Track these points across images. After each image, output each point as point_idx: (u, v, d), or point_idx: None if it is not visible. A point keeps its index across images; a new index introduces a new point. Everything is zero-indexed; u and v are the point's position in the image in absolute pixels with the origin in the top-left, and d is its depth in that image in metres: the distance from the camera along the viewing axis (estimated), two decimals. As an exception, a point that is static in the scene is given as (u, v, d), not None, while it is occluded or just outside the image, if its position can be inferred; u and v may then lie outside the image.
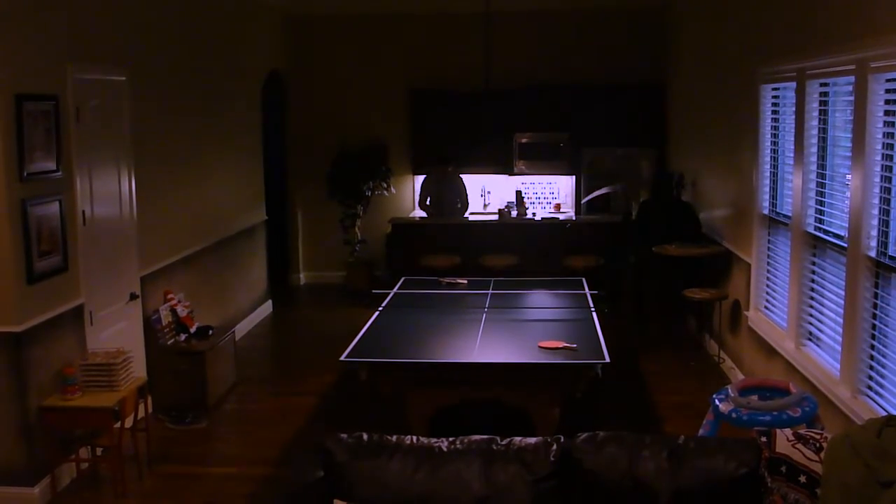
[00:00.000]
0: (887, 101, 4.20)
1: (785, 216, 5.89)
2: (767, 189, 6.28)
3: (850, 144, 4.60)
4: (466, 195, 9.78)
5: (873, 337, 4.39)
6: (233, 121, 8.37)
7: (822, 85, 5.17)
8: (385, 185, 10.21)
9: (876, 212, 4.31)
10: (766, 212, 6.30)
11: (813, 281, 5.38)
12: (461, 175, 9.87)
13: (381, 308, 6.24)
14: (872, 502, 2.62)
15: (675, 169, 9.17)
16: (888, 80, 4.18)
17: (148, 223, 6.30)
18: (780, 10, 5.81)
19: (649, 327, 8.37)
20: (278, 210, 10.20)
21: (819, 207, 5.27)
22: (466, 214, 9.86)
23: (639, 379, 6.97)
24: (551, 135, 10.10)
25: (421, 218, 9.90)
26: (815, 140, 5.30)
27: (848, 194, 4.64)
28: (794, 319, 5.55)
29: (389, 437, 3.33)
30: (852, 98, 4.52)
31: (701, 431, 4.63)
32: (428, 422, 5.08)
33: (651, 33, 10.02)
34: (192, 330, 6.60)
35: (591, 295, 6.48)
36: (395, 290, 6.87)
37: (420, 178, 10.42)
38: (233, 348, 7.00)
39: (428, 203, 9.74)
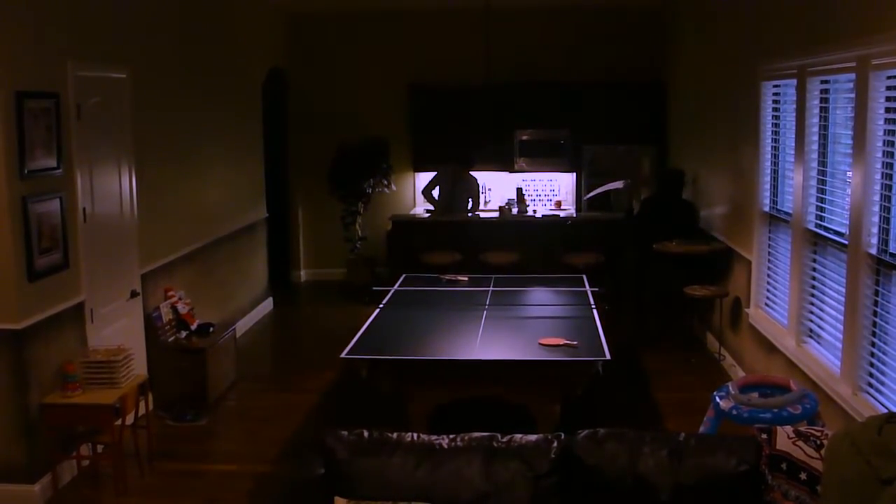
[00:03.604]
0: (888, 99, 4.20)
1: (786, 213, 5.89)
2: (768, 186, 6.28)
3: (850, 141, 4.60)
4: (478, 194, 9.77)
5: (874, 334, 4.39)
6: (234, 118, 8.37)
7: (822, 82, 5.17)
8: (386, 182, 10.21)
9: (877, 209, 4.31)
10: (766, 209, 6.30)
11: (814, 278, 5.38)
12: (472, 173, 9.84)
13: (381, 305, 6.24)
14: (873, 499, 2.62)
15: (675, 166, 9.16)
16: (889, 78, 4.18)
17: (149, 220, 6.30)
18: (780, 6, 5.81)
19: (650, 324, 8.37)
20: (279, 207, 10.19)
21: (820, 205, 5.27)
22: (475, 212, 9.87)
23: (639, 376, 6.97)
24: (552, 132, 10.10)
25: (426, 211, 9.90)
26: (815, 137, 5.30)
27: (849, 191, 4.64)
28: (794, 316, 5.55)
29: (390, 434, 3.33)
30: (853, 95, 4.52)
31: (702, 429, 4.64)
32: (428, 419, 5.08)
33: (652, 30, 10.01)
34: (193, 327, 6.61)
35: (592, 292, 6.48)
36: (395, 287, 6.87)
37: (420, 175, 10.42)
38: (233, 345, 7.00)
39: (434, 194, 9.70)
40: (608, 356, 4.92)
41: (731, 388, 4.57)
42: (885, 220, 4.24)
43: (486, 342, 5.30)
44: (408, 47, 10.40)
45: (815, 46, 5.07)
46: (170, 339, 6.41)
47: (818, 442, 3.10)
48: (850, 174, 4.63)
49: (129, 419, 5.33)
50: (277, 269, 10.11)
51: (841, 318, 4.72)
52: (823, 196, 5.20)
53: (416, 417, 5.05)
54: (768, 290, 6.31)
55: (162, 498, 5.02)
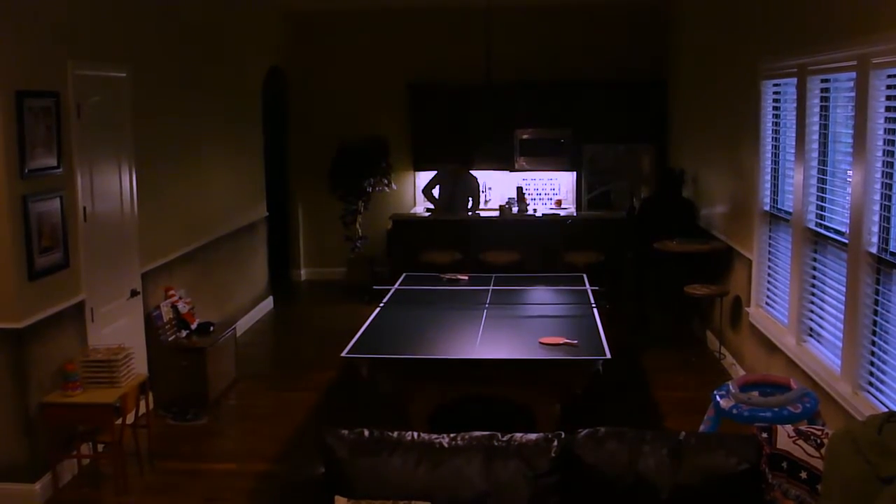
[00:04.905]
0: (888, 97, 4.20)
1: (786, 212, 5.89)
2: (768, 185, 6.27)
3: (851, 140, 4.59)
4: (479, 193, 9.79)
5: (874, 333, 4.39)
6: (234, 117, 8.37)
7: (823, 81, 5.16)
8: (386, 182, 10.21)
9: (877, 208, 4.31)
10: (767, 208, 6.30)
11: (814, 277, 5.38)
12: (472, 172, 9.85)
13: (382, 304, 6.24)
14: (873, 498, 2.62)
15: (676, 165, 9.17)
16: (889, 76, 4.18)
17: (149, 219, 6.30)
18: (781, 5, 5.81)
19: (650, 323, 8.37)
20: (279, 206, 10.20)
21: (820, 203, 5.27)
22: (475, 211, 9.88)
23: (640, 375, 6.97)
24: (552, 131, 10.09)
25: (426, 210, 9.91)
26: (816, 136, 5.30)
27: (849, 190, 4.63)
28: (795, 315, 5.55)
29: (390, 434, 3.33)
30: (853, 94, 4.52)
31: (702, 427, 4.64)
32: (429, 418, 5.08)
33: (652, 29, 10.01)
34: (193, 326, 6.61)
35: (592, 291, 6.48)
36: (395, 286, 6.87)
37: (421, 174, 10.43)
38: (234, 345, 7.01)
39: (435, 193, 9.72)
40: (608, 355, 4.92)
41: (731, 386, 4.57)
42: (886, 219, 4.24)
43: (487, 341, 5.30)
44: (408, 46, 10.39)
45: (816, 45, 5.07)
46: (170, 339, 6.41)
47: (818, 441, 3.10)
48: (850, 173, 4.63)
49: (130, 418, 5.33)
50: (277, 268, 10.11)
51: (841, 316, 4.72)
52: (824, 195, 5.20)
53: (417, 416, 5.04)
54: (768, 289, 6.31)
55: (162, 497, 5.02)
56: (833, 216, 5.06)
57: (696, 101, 8.52)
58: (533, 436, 3.30)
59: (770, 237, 6.27)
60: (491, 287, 6.76)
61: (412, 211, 10.46)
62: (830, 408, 4.67)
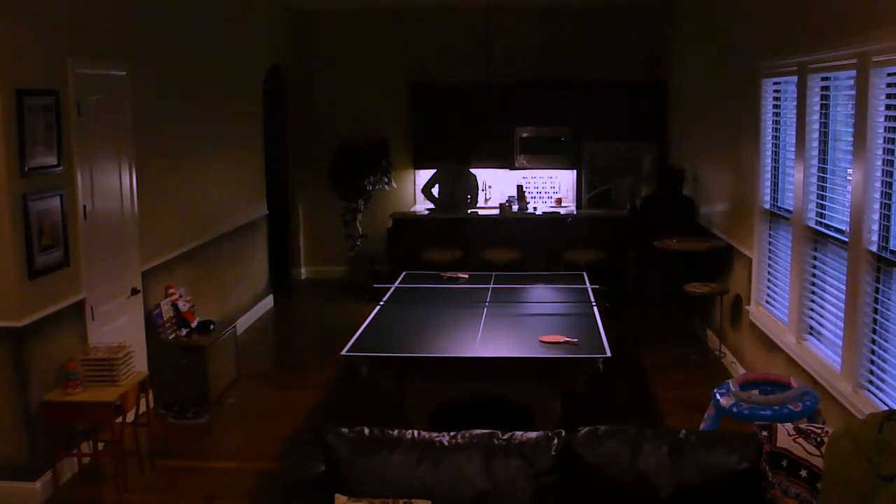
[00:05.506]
0: (888, 95, 4.19)
1: (786, 210, 5.89)
2: (769, 183, 6.27)
3: (851, 139, 4.59)
4: (478, 191, 9.80)
5: (874, 331, 4.39)
6: (234, 115, 8.37)
7: (823, 79, 5.16)
8: (386, 180, 10.21)
9: (877, 206, 4.31)
10: (767, 206, 6.30)
11: (814, 275, 5.38)
12: (471, 170, 9.86)
13: (382, 302, 6.24)
14: (873, 497, 2.63)
15: (676, 163, 9.16)
16: (889, 74, 4.18)
17: (149, 218, 6.30)
18: (781, 3, 5.81)
19: (650, 322, 8.37)
20: (279, 204, 10.19)
21: (820, 202, 5.27)
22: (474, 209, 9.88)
23: (640, 373, 6.97)
24: (552, 129, 10.09)
25: (426, 210, 9.91)
26: (816, 134, 5.30)
27: (849, 188, 4.63)
28: (795, 314, 5.55)
29: (390, 432, 3.33)
30: (853, 92, 4.52)
31: (702, 426, 4.64)
32: (429, 416, 5.08)
33: (652, 27, 10.00)
34: (194, 325, 6.61)
35: (593, 289, 6.48)
36: (396, 284, 6.87)
37: (421, 172, 10.42)
38: (234, 343, 7.01)
39: (435, 192, 9.73)
40: (609, 353, 4.92)
41: (731, 385, 4.57)
42: (886, 218, 4.24)
43: (487, 340, 5.30)
44: (408, 44, 10.38)
45: (816, 43, 5.07)
46: (170, 337, 6.41)
47: (818, 439, 3.10)
48: (850, 171, 4.63)
49: (130, 417, 5.34)
50: (278, 266, 10.10)
51: (841, 315, 4.72)
52: (824, 193, 5.20)
53: (417, 415, 5.04)
54: (769, 288, 6.31)
55: (163, 495, 5.02)
56: (833, 214, 5.06)
57: (696, 100, 8.52)
58: (533, 434, 3.30)
59: (770, 235, 6.27)
60: (491, 285, 6.76)
61: (412, 209, 10.46)
62: (830, 406, 4.67)
